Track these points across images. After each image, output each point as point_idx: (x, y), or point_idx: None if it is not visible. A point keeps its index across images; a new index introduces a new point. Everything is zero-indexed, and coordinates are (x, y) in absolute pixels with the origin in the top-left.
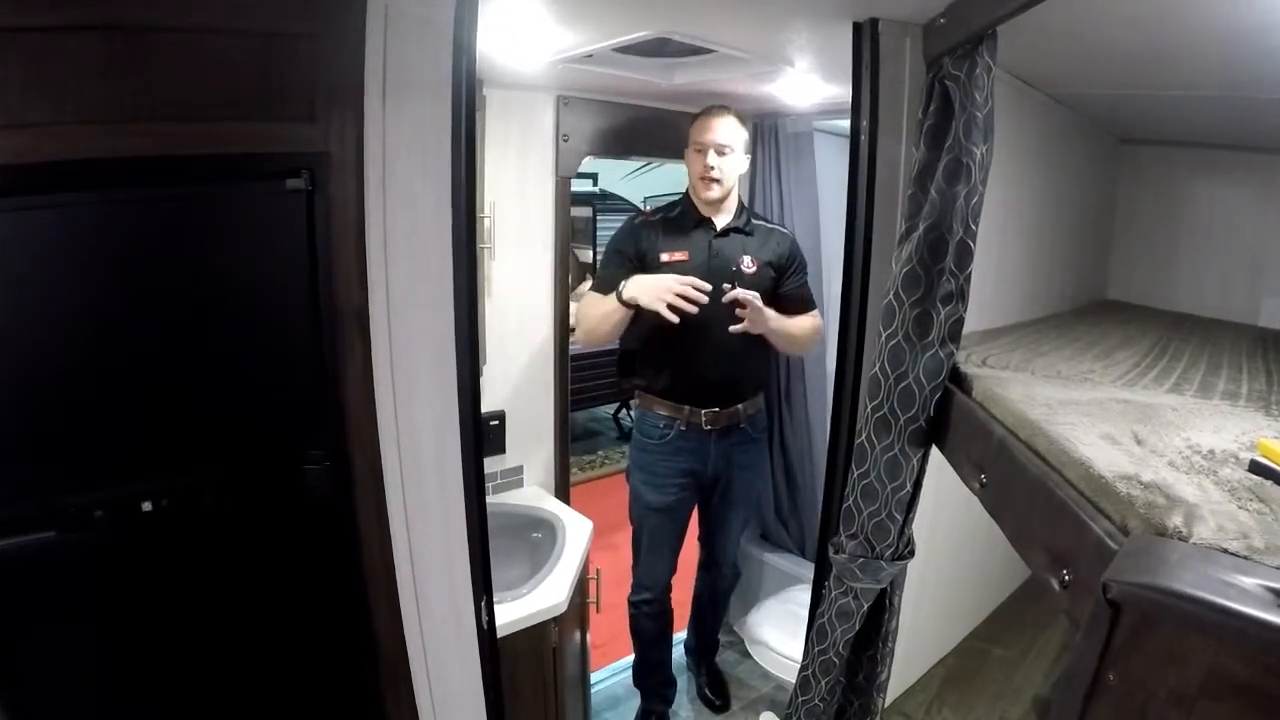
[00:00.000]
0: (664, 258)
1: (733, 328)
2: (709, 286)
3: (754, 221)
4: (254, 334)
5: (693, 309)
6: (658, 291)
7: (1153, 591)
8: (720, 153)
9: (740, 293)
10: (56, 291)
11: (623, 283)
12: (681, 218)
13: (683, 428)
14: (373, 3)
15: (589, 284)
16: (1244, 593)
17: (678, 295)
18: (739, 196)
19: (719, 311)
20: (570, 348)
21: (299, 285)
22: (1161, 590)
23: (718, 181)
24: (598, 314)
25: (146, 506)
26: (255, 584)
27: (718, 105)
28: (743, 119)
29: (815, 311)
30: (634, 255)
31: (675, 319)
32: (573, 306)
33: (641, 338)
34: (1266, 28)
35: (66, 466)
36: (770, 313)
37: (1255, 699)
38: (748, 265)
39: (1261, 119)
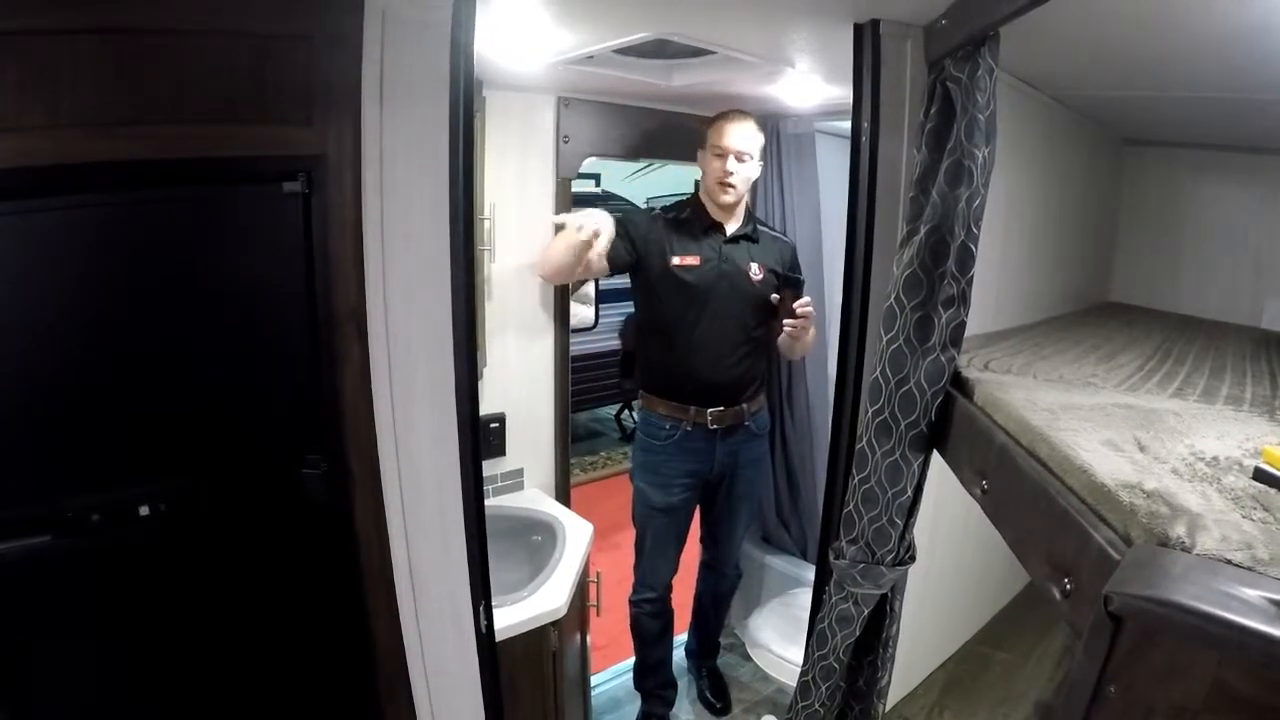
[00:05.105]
0: (675, 260)
1: (789, 331)
2: (604, 242)
3: (759, 229)
4: (251, 337)
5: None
6: (584, 221)
7: (1155, 604)
8: (739, 159)
9: (808, 305)
10: (52, 295)
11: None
12: (692, 221)
13: (688, 428)
14: (370, 5)
15: (590, 285)
16: (1247, 605)
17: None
18: (745, 202)
19: (722, 313)
20: (572, 348)
21: (296, 288)
22: (1164, 603)
23: (734, 187)
24: (554, 247)
25: (144, 510)
26: (253, 588)
27: (738, 110)
28: (760, 124)
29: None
30: (639, 239)
31: (583, 239)
32: (573, 307)
33: (644, 339)
34: (1269, 29)
35: (64, 470)
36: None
37: (1258, 713)
38: (755, 272)
39: (1265, 120)
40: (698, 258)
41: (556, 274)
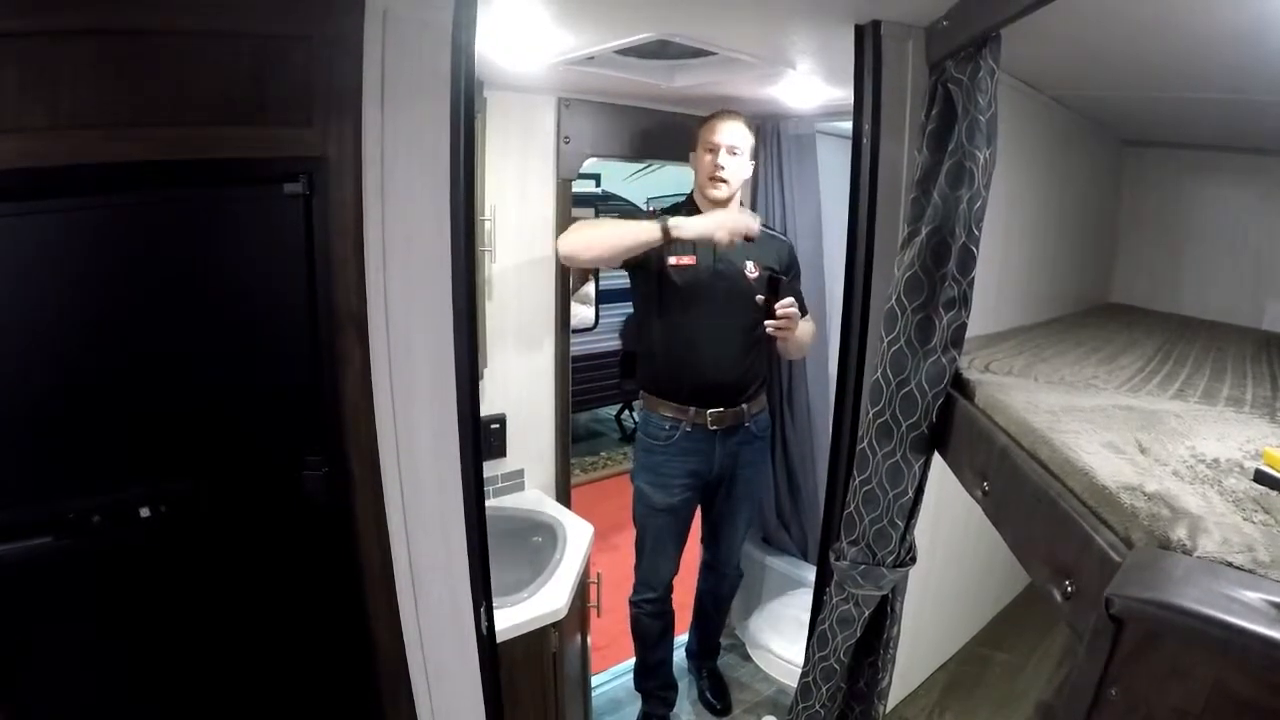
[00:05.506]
0: (671, 260)
1: (772, 332)
2: (757, 229)
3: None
4: (252, 338)
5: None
6: (722, 220)
7: (1156, 607)
8: (731, 153)
9: (789, 306)
10: (53, 296)
11: (668, 218)
12: None
13: (688, 429)
14: (371, 6)
15: (590, 285)
16: (1248, 608)
17: (733, 229)
18: (741, 202)
19: (722, 313)
20: (572, 349)
21: (297, 290)
22: (1165, 606)
23: (725, 182)
24: (616, 230)
25: (144, 512)
26: (253, 590)
27: (727, 109)
28: (750, 125)
29: (808, 315)
30: None
31: (726, 242)
32: (574, 307)
33: (643, 339)
34: (1269, 29)
35: (64, 471)
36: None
37: (1259, 716)
38: (750, 270)
39: (1266, 121)
40: (693, 258)
41: (598, 260)
